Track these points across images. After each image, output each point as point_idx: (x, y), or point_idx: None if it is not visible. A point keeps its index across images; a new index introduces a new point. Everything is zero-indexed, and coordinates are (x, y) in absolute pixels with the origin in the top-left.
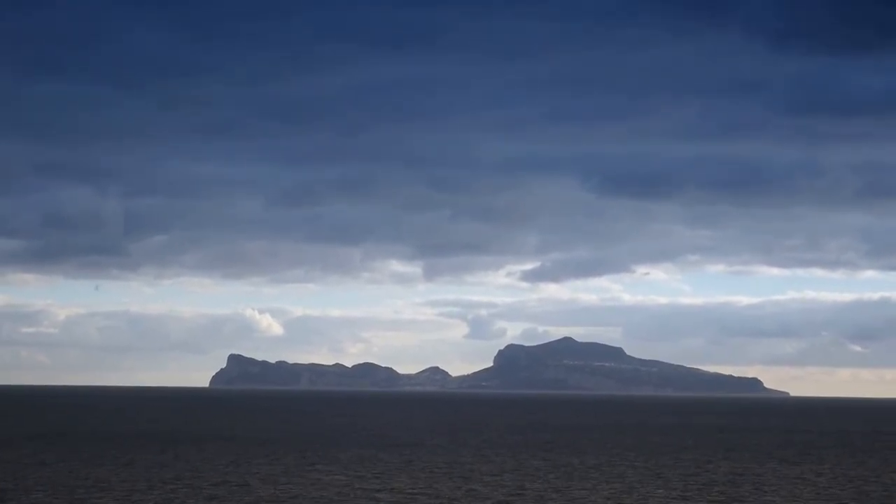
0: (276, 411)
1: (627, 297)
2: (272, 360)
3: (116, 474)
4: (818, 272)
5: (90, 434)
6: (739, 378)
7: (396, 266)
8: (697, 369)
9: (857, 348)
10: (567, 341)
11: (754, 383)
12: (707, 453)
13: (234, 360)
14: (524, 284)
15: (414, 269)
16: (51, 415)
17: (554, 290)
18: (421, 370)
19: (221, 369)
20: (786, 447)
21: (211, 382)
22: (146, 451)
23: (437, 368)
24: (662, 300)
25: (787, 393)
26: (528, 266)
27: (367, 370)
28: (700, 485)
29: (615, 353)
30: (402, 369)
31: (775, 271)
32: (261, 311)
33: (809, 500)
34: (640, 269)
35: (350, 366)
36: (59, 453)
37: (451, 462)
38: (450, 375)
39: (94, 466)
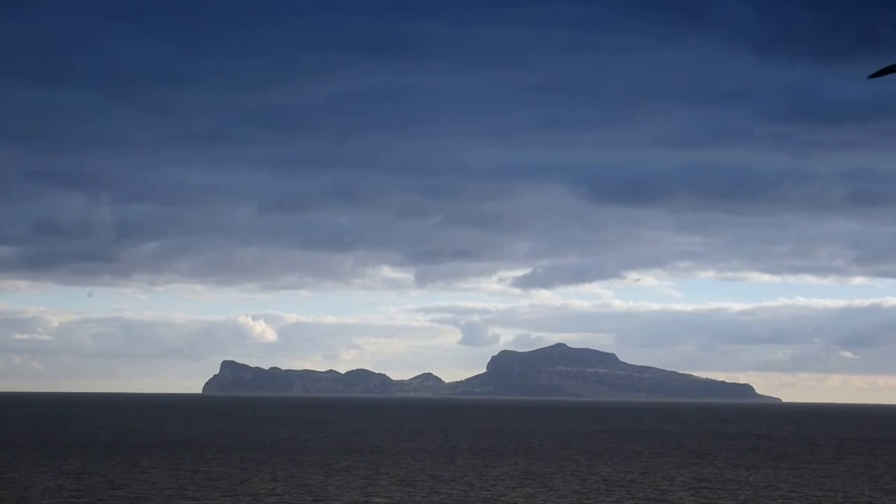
0: (259, 418)
1: (619, 304)
2: (265, 366)
3: (61, 483)
4: (809, 279)
5: (52, 441)
6: (732, 384)
7: (388, 272)
8: (690, 375)
9: (849, 354)
10: (560, 347)
11: (746, 389)
12: (669, 459)
13: (228, 366)
14: (516, 290)
15: (406, 275)
16: (26, 422)
17: (546, 297)
18: (414, 376)
19: (214, 376)
20: (755, 453)
21: (204, 389)
22: (101, 458)
23: (429, 374)
24: (654, 306)
25: (779, 399)
26: (520, 272)
27: (360, 376)
28: (649, 491)
29: (608, 359)
30: (395, 375)
31: (766, 278)
32: (254, 318)
33: None
34: (631, 276)
35: (343, 372)
36: (8, 462)
37: (400, 468)
38: (443, 381)
39: (40, 474)
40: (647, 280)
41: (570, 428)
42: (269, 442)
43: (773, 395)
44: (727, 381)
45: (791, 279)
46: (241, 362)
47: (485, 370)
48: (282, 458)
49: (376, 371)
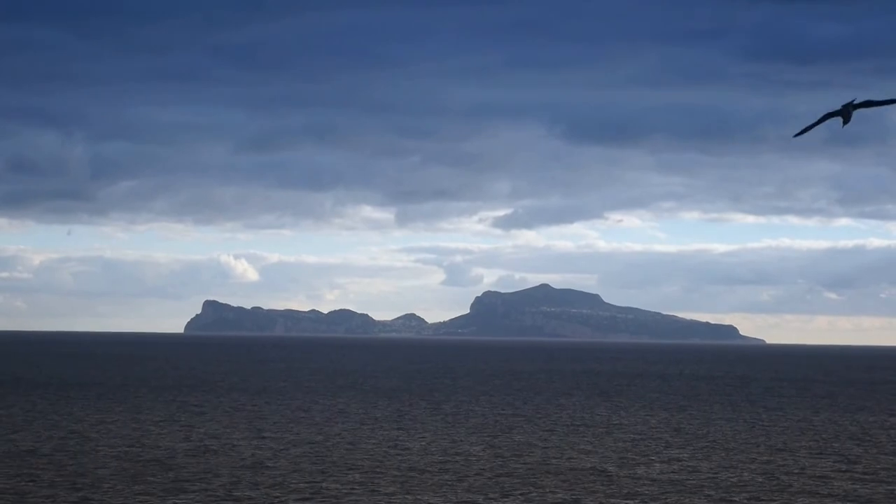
0: (224, 358)
1: (603, 245)
2: (248, 306)
3: None
4: (793, 220)
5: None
6: (716, 325)
7: (369, 212)
8: (674, 316)
9: (833, 296)
10: (544, 288)
11: (730, 330)
12: (590, 397)
13: (210, 306)
14: (497, 231)
15: (387, 215)
16: None
17: (529, 237)
18: (397, 317)
19: (196, 315)
20: (690, 396)
21: (186, 328)
22: (28, 396)
23: (413, 315)
24: (638, 247)
25: (763, 340)
26: (501, 213)
27: (342, 316)
28: (546, 427)
29: (592, 299)
30: (378, 316)
31: (750, 219)
32: (236, 257)
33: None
34: (614, 216)
35: (326, 312)
36: None
37: (314, 408)
38: (426, 322)
39: None
40: (631, 221)
41: (521, 369)
42: (214, 381)
43: (758, 337)
44: (711, 322)
45: (775, 220)
46: (224, 302)
47: (468, 311)
48: (217, 397)
49: (359, 311)
